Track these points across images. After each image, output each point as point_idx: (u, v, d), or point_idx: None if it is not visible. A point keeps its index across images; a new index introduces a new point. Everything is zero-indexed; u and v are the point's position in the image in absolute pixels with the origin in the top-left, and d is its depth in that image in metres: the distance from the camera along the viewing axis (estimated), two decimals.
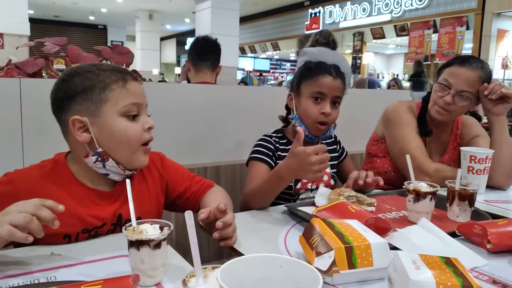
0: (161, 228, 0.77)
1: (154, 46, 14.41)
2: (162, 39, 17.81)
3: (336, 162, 1.56)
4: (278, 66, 19.69)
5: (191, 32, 15.09)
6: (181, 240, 1.46)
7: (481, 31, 8.86)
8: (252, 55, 17.85)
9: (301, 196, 1.44)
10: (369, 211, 1.06)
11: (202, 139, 1.79)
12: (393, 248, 0.89)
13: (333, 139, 1.60)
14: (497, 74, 8.46)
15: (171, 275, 0.77)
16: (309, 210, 1.13)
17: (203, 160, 1.72)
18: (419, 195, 1.08)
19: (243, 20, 13.69)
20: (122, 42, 17.34)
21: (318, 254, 0.76)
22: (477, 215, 1.13)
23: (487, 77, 1.51)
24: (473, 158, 1.41)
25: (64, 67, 2.00)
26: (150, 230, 0.76)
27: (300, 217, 1.10)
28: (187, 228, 0.63)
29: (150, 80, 5.01)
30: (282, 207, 1.21)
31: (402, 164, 1.56)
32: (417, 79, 7.67)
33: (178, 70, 14.56)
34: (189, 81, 2.54)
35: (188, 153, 1.74)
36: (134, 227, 0.77)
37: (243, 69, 16.08)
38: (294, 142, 1.11)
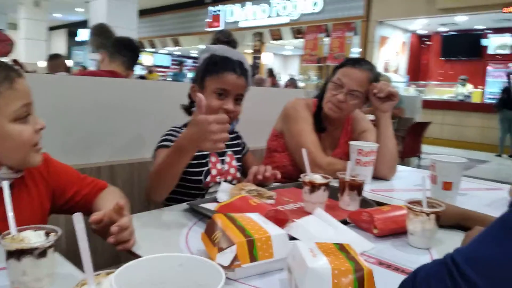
0: (47, 234, 0.69)
1: (40, 36, 13.08)
2: (51, 28, 16.28)
3: (240, 155, 1.58)
4: (180, 62, 19.36)
5: (84, 23, 14.03)
6: (72, 247, 1.34)
7: (366, 37, 9.77)
8: (152, 50, 17.27)
9: (210, 190, 1.43)
10: (269, 204, 1.09)
11: (94, 137, 1.65)
12: (292, 238, 0.92)
13: (236, 134, 1.61)
14: None
15: (60, 285, 0.70)
16: (211, 206, 1.12)
17: (96, 160, 1.59)
18: (314, 187, 1.14)
19: (142, 13, 13.14)
20: (1, 29, 15.41)
21: (220, 249, 0.76)
22: (365, 203, 1.23)
23: (375, 78, 1.66)
24: (360, 151, 1.53)
25: None
26: (34, 237, 0.68)
27: (202, 214, 1.09)
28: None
29: (35, 72, 4.54)
30: (184, 205, 1.18)
31: (299, 157, 1.63)
32: None
33: (70, 62, 13.44)
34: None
35: (79, 152, 1.59)
36: (13, 235, 0.68)
37: (141, 64, 15.46)
38: (196, 110, 1.11)
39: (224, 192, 1.23)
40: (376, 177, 1.63)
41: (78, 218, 0.58)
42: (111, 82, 1.81)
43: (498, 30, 10.70)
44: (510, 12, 7.93)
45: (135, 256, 0.86)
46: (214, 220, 0.83)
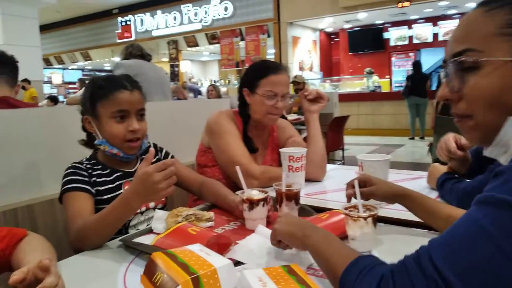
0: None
1: None
2: None
3: None
4: None
5: None
6: None
7: (279, 38, 10.07)
8: (60, 66, 16.21)
9: (132, 223, 1.33)
10: (209, 229, 1.05)
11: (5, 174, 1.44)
12: (237, 262, 0.89)
13: (151, 149, 1.52)
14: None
15: None
16: (147, 239, 1.05)
17: (9, 201, 1.40)
18: (252, 203, 1.12)
19: (45, 28, 12.27)
20: None
21: None
22: (303, 211, 1.24)
23: (289, 74, 1.78)
24: (291, 158, 1.55)
25: None
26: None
27: (139, 250, 1.01)
28: None
29: None
30: (116, 242, 1.09)
31: (231, 171, 1.62)
32: None
33: None
34: None
35: None
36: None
37: (50, 82, 14.45)
38: (142, 163, 1.05)
39: (159, 221, 1.16)
40: (308, 179, 1.66)
41: None
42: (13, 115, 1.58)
43: (396, 24, 11.67)
44: (404, 7, 8.69)
45: None
46: (153, 260, 0.77)
